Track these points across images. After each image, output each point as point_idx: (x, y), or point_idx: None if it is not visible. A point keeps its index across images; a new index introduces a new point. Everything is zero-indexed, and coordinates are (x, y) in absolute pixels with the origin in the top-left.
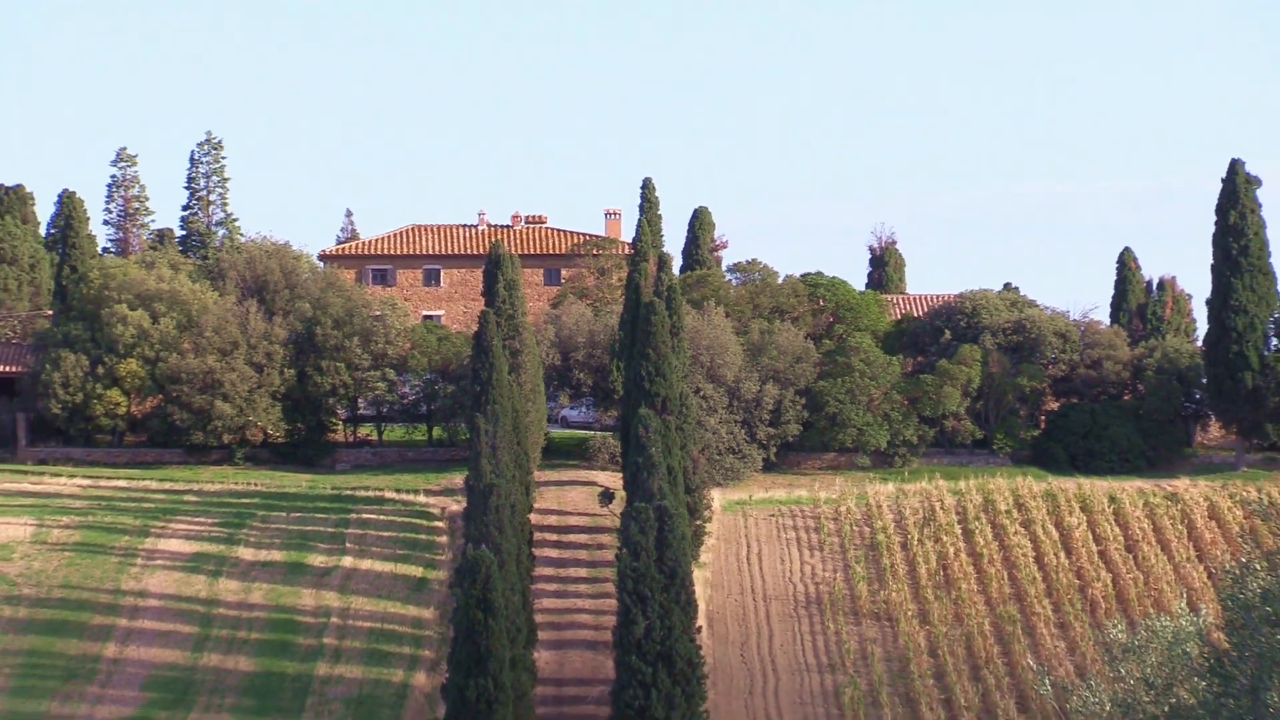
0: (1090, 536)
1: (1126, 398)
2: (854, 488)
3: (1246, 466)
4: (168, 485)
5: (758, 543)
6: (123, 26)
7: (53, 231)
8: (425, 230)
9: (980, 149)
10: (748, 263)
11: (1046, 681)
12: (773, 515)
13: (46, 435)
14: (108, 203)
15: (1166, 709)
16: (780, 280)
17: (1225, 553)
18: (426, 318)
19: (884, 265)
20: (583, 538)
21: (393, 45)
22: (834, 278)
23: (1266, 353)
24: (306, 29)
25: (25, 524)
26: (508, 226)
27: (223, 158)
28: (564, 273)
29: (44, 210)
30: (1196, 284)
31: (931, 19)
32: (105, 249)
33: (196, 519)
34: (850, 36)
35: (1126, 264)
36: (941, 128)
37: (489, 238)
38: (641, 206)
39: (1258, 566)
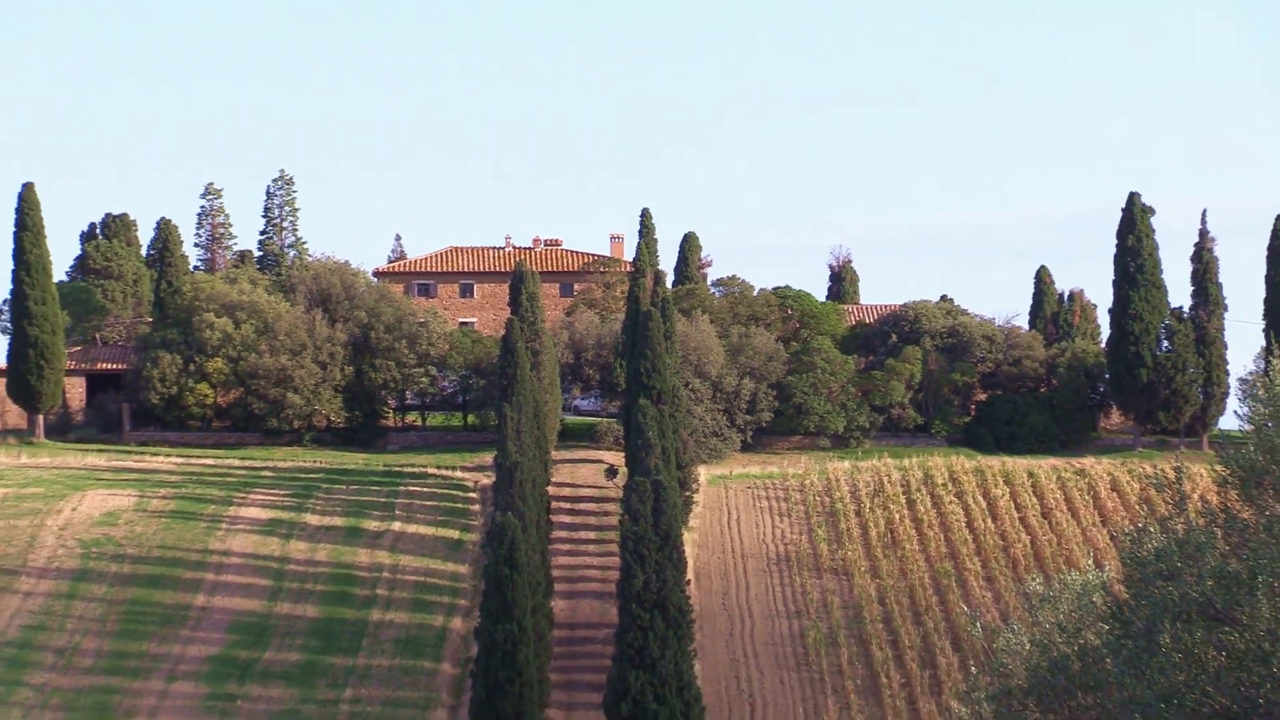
0: (1012, 505)
1: (1042, 390)
2: (816, 465)
3: (1142, 447)
4: (248, 463)
5: (737, 510)
6: (212, 79)
7: (152, 252)
8: (461, 251)
9: (922, 183)
10: (728, 278)
11: (977, 625)
12: (749, 488)
13: (147, 421)
14: (198, 228)
15: (1076, 648)
16: (755, 293)
17: (1125, 518)
18: (462, 324)
19: (841, 280)
20: (591, 506)
21: (435, 98)
22: (800, 291)
23: (1158, 353)
24: (364, 83)
25: (129, 495)
26: (529, 248)
27: (293, 191)
28: (576, 286)
29: (145, 234)
30: (1101, 296)
31: (878, 80)
32: (196, 267)
33: (271, 491)
34: (813, 92)
35: (1042, 279)
36: (889, 166)
37: (514, 258)
38: (641, 232)
39: (1152, 530)
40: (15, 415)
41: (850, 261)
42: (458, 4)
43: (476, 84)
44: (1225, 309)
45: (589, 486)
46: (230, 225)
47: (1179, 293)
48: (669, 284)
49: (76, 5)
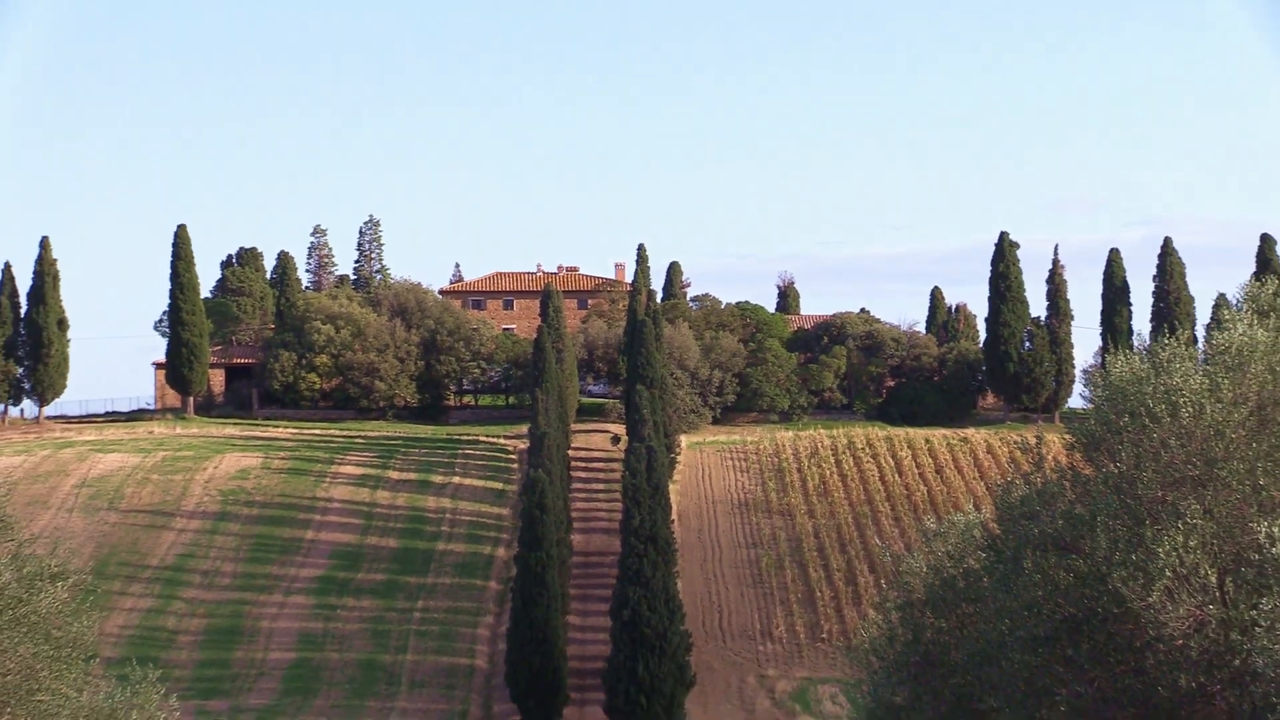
0: (914, 464)
1: (936, 379)
2: (768, 434)
3: (1010, 421)
4: (345, 433)
5: (709, 468)
6: (318, 145)
7: (274, 276)
8: (504, 276)
9: (845, 224)
10: (702, 295)
11: (887, 553)
12: (718, 451)
13: (270, 402)
14: (308, 258)
15: (961, 570)
16: (722, 306)
17: (997, 474)
18: (505, 330)
19: (787, 296)
20: (601, 465)
21: (486, 159)
22: (755, 305)
23: (1022, 351)
24: (432, 148)
25: (257, 457)
26: (555, 273)
27: (379, 230)
28: (590, 302)
29: (269, 263)
30: (979, 308)
31: (817, 149)
32: (306, 287)
33: (362, 454)
34: (767, 154)
35: (936, 296)
36: (823, 211)
37: (543, 280)
38: (637, 260)
39: (1018, 482)
40: (172, 397)
41: (793, 282)
42: (504, 97)
43: (517, 151)
44: (1072, 318)
45: (599, 450)
46: (332, 256)
47: (1037, 306)
48: (658, 300)
49: (216, 89)
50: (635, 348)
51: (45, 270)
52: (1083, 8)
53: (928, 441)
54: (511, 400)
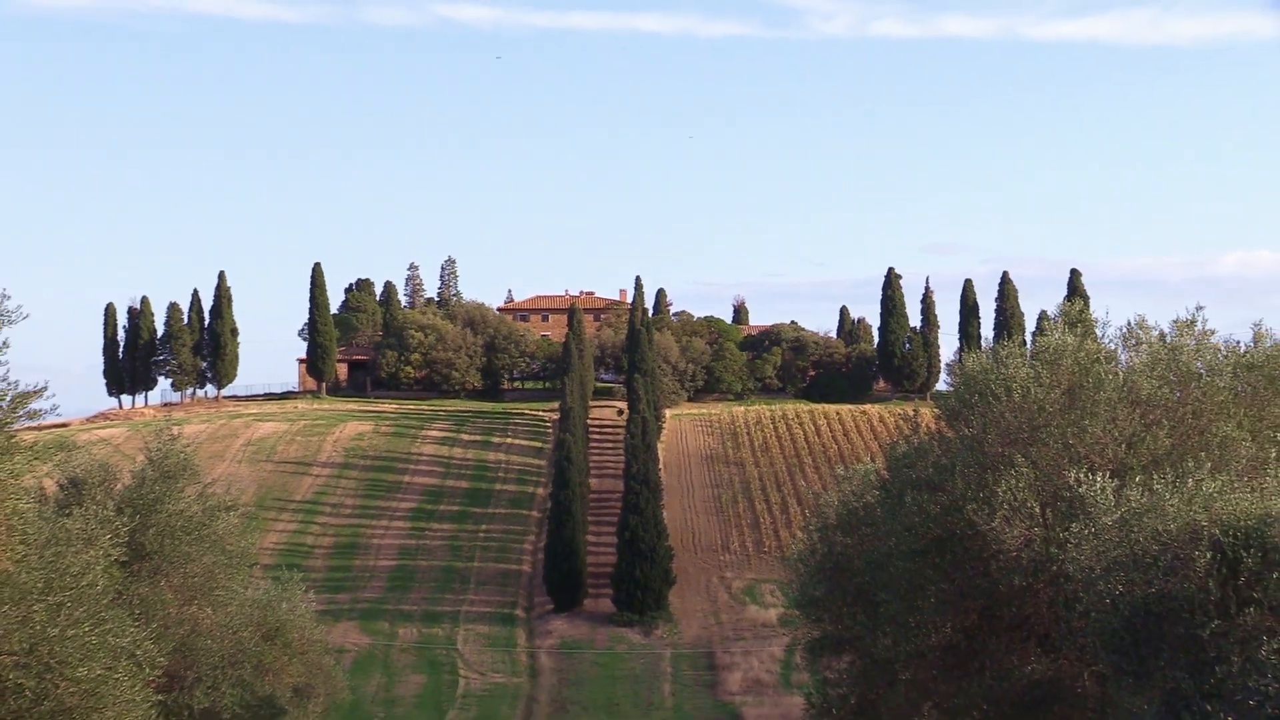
0: (829, 429)
1: (844, 370)
2: (726, 408)
3: (895, 399)
4: (431, 408)
5: (685, 432)
6: (411, 211)
7: (381, 298)
8: (543, 298)
9: (782, 260)
10: (681, 312)
11: (810, 492)
12: (692, 420)
13: (379, 386)
14: (405, 286)
15: (861, 503)
16: (695, 319)
17: (887, 437)
18: (543, 336)
19: (739, 312)
20: (610, 430)
21: (528, 213)
22: (718, 318)
23: (904, 350)
24: (494, 209)
25: (369, 425)
26: (578, 296)
27: (455, 266)
28: (602, 316)
29: (378, 289)
30: (874, 320)
31: (759, 203)
32: (405, 306)
33: (444, 422)
34: (724, 211)
35: (844, 312)
36: (766, 251)
37: (570, 301)
38: (635, 287)
39: (901, 442)
40: (310, 383)
41: (744, 302)
42: (543, 167)
43: (553, 210)
44: (939, 328)
45: (609, 419)
46: (422, 285)
47: (915, 319)
48: (650, 315)
49: (344, 161)
50: (634, 348)
51: (222, 294)
52: (950, 102)
53: (838, 414)
54: (547, 385)
